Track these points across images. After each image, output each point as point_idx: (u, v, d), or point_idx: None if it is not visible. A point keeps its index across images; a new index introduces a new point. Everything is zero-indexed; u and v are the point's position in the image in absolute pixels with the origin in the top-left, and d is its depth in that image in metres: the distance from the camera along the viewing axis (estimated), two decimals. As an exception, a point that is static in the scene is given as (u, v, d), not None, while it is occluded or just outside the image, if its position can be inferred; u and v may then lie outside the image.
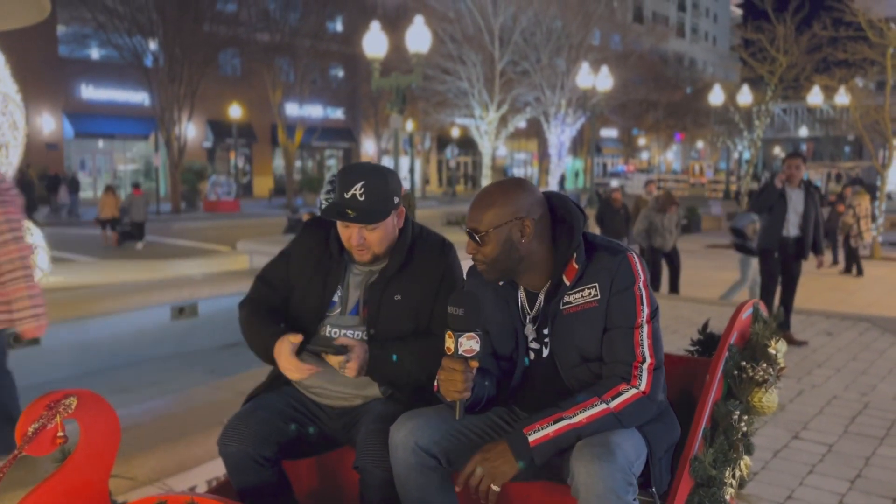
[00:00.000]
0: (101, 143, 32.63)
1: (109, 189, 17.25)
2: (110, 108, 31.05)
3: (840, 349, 6.52)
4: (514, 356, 1.98)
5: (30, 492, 1.74)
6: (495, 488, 1.77)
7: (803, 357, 6.21)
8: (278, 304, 2.26)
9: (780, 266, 6.66)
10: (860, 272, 12.51)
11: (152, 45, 26.62)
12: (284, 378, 2.22)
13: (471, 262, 2.03)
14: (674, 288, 9.62)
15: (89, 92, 30.59)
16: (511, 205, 1.88)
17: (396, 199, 2.12)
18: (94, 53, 30.90)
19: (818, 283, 10.62)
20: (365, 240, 2.10)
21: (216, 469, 3.15)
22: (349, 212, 2.04)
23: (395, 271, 2.16)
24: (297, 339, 2.08)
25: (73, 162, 31.15)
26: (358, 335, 2.16)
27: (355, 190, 2.04)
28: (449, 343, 1.77)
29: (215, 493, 2.12)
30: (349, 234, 2.12)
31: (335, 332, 2.17)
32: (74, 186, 24.97)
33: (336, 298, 2.19)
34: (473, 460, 1.80)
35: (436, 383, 1.88)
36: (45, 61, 28.07)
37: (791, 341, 6.55)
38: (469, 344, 1.76)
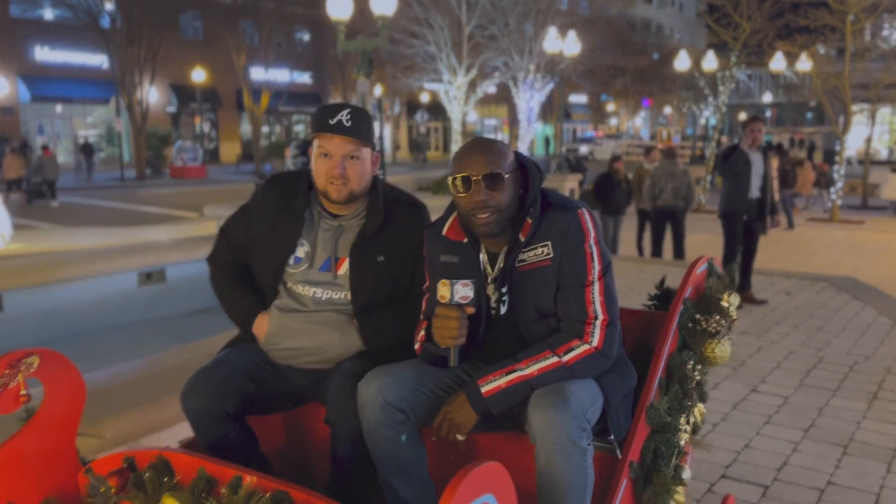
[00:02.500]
0: (59, 108, 31.72)
1: (14, 150, 17.22)
2: (67, 71, 30.13)
3: (798, 307, 6.71)
4: (478, 315, 2.02)
5: (-4, 450, 1.75)
6: (460, 437, 1.86)
7: (763, 315, 6.39)
8: (241, 262, 2.29)
9: (743, 228, 6.81)
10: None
11: (108, 4, 25.81)
12: (251, 337, 2.24)
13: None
14: (679, 253, 9.17)
15: (44, 54, 29.62)
16: (511, 155, 1.94)
17: (375, 137, 2.16)
18: (48, 14, 29.85)
19: (779, 247, 10.87)
20: (346, 171, 2.10)
21: (187, 430, 3.17)
22: (342, 125, 2.07)
23: (375, 231, 2.17)
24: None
25: (30, 127, 30.28)
26: (328, 294, 2.17)
27: (341, 116, 2.08)
28: (444, 291, 1.81)
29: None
30: (330, 165, 2.10)
31: (304, 288, 2.18)
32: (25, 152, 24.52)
33: (302, 254, 2.20)
34: (441, 412, 1.88)
35: (417, 345, 1.94)
36: (-3, 22, 27.18)
37: (751, 300, 6.73)
38: (464, 291, 1.80)
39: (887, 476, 3.40)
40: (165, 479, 1.65)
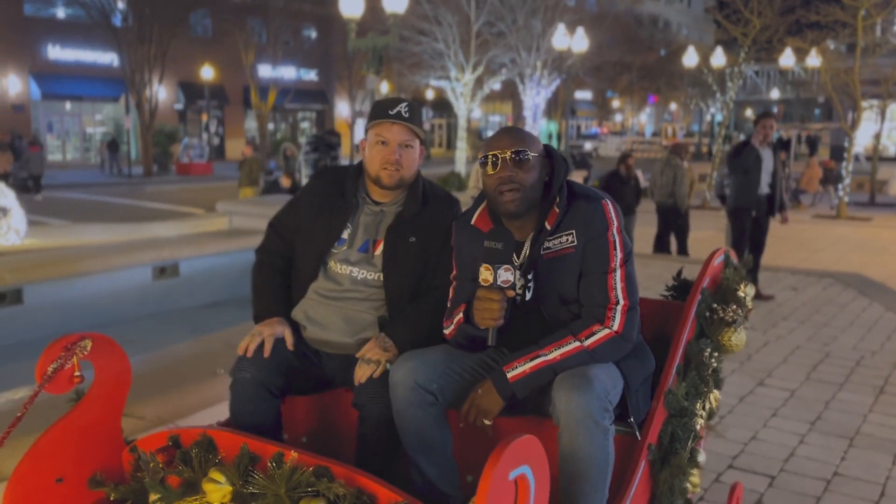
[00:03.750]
0: (68, 105, 31.88)
1: (2, 146, 17.52)
2: (78, 69, 30.27)
3: (804, 303, 6.78)
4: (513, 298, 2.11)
5: (48, 429, 1.85)
6: (487, 422, 1.95)
7: (769, 311, 6.46)
8: (288, 254, 2.41)
9: (752, 224, 6.88)
10: None
11: (120, 3, 25.94)
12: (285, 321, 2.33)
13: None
14: (683, 249, 9.18)
15: (56, 52, 29.77)
16: (538, 142, 2.06)
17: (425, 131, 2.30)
18: (61, 12, 30.01)
19: (785, 243, 10.92)
20: (400, 158, 2.24)
21: (212, 416, 3.26)
22: (401, 115, 2.22)
23: (412, 216, 2.30)
24: (289, 339, 2.21)
25: (40, 124, 30.44)
26: (363, 273, 2.29)
27: (400, 108, 2.24)
28: (487, 275, 1.90)
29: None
30: (387, 152, 2.24)
31: (342, 267, 2.30)
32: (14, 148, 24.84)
33: (345, 236, 2.33)
34: (468, 399, 1.98)
35: (451, 328, 2.04)
36: (10, 20, 27.30)
37: (758, 296, 6.80)
38: (506, 275, 1.90)
39: (893, 468, 3.48)
40: (210, 456, 1.75)
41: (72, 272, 6.42)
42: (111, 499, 1.85)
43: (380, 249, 2.30)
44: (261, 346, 2.17)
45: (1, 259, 6.63)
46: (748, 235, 6.89)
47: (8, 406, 3.16)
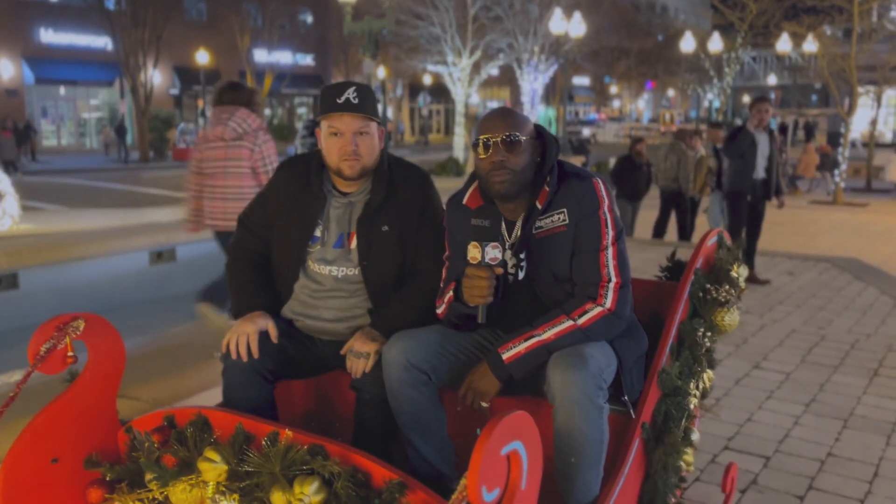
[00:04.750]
0: (63, 90, 31.68)
1: None
2: (72, 53, 30.03)
3: (801, 287, 6.80)
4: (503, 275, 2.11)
5: (42, 409, 1.85)
6: (484, 404, 1.96)
7: (766, 295, 6.48)
8: (261, 250, 2.34)
9: (748, 208, 6.88)
10: None
11: (114, -14, 25.78)
12: (277, 307, 2.33)
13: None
14: (685, 235, 9.03)
15: (49, 36, 29.51)
16: (530, 124, 2.05)
17: (380, 111, 2.23)
18: (53, -5, 29.81)
19: (782, 228, 10.93)
20: (358, 147, 2.16)
21: (209, 398, 3.27)
22: (350, 103, 2.11)
23: (380, 202, 2.23)
24: (273, 332, 2.15)
25: (34, 109, 30.26)
26: (343, 270, 2.25)
27: (348, 94, 2.13)
28: (475, 253, 1.91)
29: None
30: (342, 143, 2.15)
31: (321, 267, 2.26)
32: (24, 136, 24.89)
33: (318, 233, 2.26)
34: (465, 383, 1.99)
35: (442, 307, 2.04)
36: (2, 3, 27.05)
37: (754, 280, 6.82)
38: (494, 253, 1.90)
39: (887, 448, 3.50)
40: (205, 435, 1.75)
41: (68, 257, 6.41)
42: (107, 479, 1.85)
43: (354, 243, 2.24)
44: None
45: (-4, 244, 6.62)
46: (744, 220, 6.90)
47: (4, 389, 3.17)
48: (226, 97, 4.31)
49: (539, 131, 2.09)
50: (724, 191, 7.04)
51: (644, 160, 9.18)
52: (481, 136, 2.00)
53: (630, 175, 9.11)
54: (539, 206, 2.01)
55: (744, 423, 3.75)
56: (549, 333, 1.93)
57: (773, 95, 45.06)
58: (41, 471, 1.83)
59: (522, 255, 2.04)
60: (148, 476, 1.74)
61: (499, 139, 1.97)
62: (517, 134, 1.98)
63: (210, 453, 1.66)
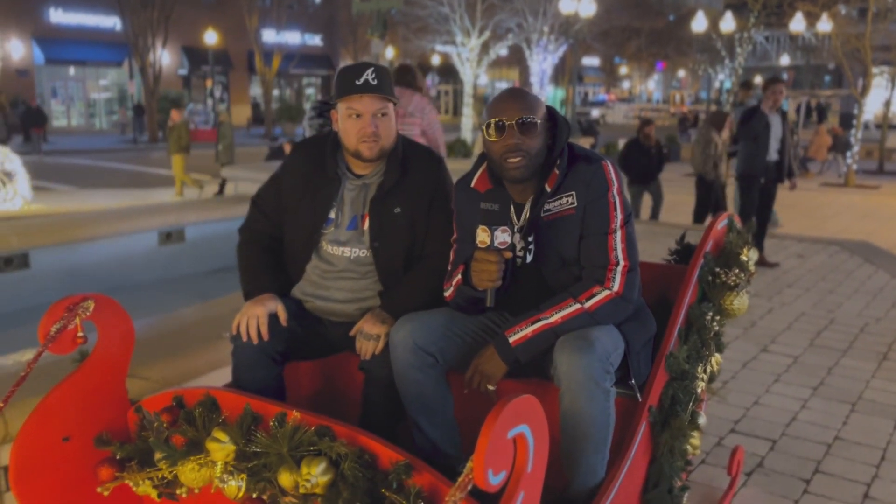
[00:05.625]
0: (72, 70, 31.70)
1: None
2: (81, 34, 30.02)
3: (810, 270, 6.77)
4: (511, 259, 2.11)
5: (53, 388, 1.87)
6: (490, 387, 1.97)
7: (775, 278, 6.45)
8: (273, 232, 2.34)
9: (760, 190, 6.83)
10: None
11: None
12: (287, 288, 2.33)
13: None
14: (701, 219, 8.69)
15: (58, 16, 29.49)
16: (543, 107, 2.01)
17: (395, 93, 2.22)
18: (63, -25, 29.71)
19: (792, 211, 10.86)
20: (377, 129, 2.14)
21: (218, 379, 3.28)
22: (370, 84, 2.10)
23: (393, 184, 2.22)
24: (282, 315, 2.16)
25: (44, 89, 30.32)
26: (355, 252, 2.26)
27: (367, 75, 2.11)
28: (484, 237, 1.89)
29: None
30: (362, 124, 2.14)
31: (334, 248, 2.27)
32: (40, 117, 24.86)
33: (332, 215, 2.26)
34: (471, 366, 1.99)
35: (450, 290, 2.04)
36: (11, -17, 27.03)
37: (763, 263, 6.78)
38: (503, 237, 1.89)
39: (894, 432, 3.49)
40: (214, 416, 1.77)
41: (78, 237, 6.42)
42: (117, 457, 1.88)
43: (367, 224, 2.24)
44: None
45: (7, 224, 6.65)
46: (756, 203, 6.85)
47: (16, 368, 3.19)
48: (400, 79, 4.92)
49: (550, 113, 2.06)
50: (737, 173, 7.00)
51: (653, 143, 8.99)
52: (493, 119, 1.96)
53: (638, 159, 8.91)
54: (548, 189, 2.00)
55: (751, 407, 3.75)
56: (556, 317, 1.92)
57: (785, 76, 44.56)
58: (53, 449, 1.86)
59: (530, 239, 2.03)
60: (157, 455, 1.76)
61: (513, 121, 1.94)
62: (532, 116, 1.95)
63: (218, 433, 1.68)
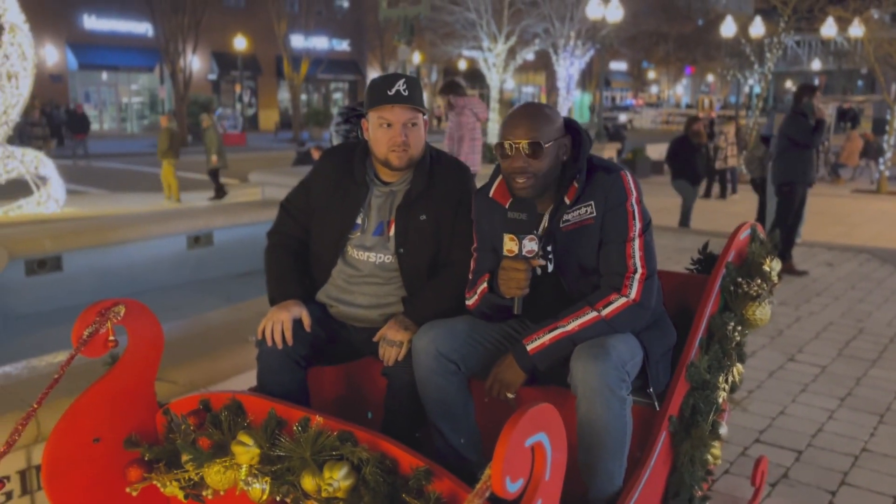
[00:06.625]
0: (105, 75, 32.30)
1: None
2: (113, 39, 30.60)
3: (839, 279, 6.67)
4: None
5: (84, 391, 1.92)
6: (510, 395, 1.99)
7: (803, 286, 6.37)
8: (301, 236, 2.39)
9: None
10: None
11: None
12: (312, 293, 2.37)
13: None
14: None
15: (92, 22, 30.09)
16: (557, 122, 2.02)
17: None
18: (95, -18, 30.31)
19: (822, 218, 10.70)
20: (407, 138, 2.20)
21: (244, 382, 3.33)
22: (401, 95, 2.16)
23: (420, 192, 2.27)
24: (306, 320, 2.19)
25: (77, 94, 30.91)
26: (381, 257, 2.30)
27: (398, 86, 2.17)
28: (511, 245, 1.92)
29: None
30: (392, 134, 2.19)
31: (360, 253, 2.31)
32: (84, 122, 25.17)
33: (359, 220, 2.31)
34: (490, 375, 2.01)
35: (474, 298, 2.06)
36: (47, -9, 27.61)
37: (792, 271, 6.70)
38: (531, 245, 1.92)
39: (924, 444, 3.44)
40: (239, 419, 1.81)
41: (109, 240, 6.55)
42: (146, 459, 1.92)
43: (393, 230, 2.29)
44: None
45: (41, 227, 6.81)
46: (795, 211, 6.74)
47: (49, 369, 3.27)
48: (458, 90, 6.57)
49: (569, 126, 2.07)
50: (777, 181, 6.85)
51: (702, 140, 8.71)
52: (504, 141, 1.99)
53: (688, 157, 8.63)
54: (567, 202, 2.02)
55: (776, 416, 3.71)
56: (573, 325, 1.94)
57: (817, 81, 43.88)
58: (83, 449, 1.91)
59: (549, 248, 2.05)
60: (184, 457, 1.80)
61: (521, 144, 1.96)
62: (540, 142, 1.96)
63: (243, 437, 1.71)
